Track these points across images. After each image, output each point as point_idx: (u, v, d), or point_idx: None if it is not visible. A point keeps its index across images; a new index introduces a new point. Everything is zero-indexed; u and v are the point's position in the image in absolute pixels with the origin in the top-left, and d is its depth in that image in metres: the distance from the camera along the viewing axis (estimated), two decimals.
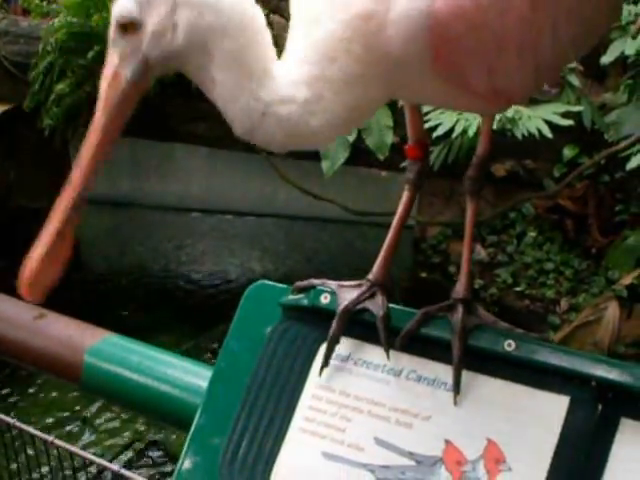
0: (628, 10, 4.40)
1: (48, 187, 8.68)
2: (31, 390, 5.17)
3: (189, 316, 6.27)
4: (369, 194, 7.09)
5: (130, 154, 8.54)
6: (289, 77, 1.16)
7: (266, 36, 1.16)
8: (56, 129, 7.04)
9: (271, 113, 1.15)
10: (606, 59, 4.51)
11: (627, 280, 5.44)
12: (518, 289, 5.89)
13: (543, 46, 1.36)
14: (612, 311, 5.27)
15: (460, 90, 1.32)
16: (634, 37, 3.67)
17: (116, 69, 1.17)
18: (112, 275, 7.21)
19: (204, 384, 1.21)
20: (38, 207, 8.07)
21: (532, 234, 6.04)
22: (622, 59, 4.76)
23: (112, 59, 1.17)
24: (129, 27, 1.13)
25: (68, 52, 6.93)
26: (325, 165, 4.69)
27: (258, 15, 1.16)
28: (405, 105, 1.53)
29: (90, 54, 6.66)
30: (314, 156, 4.86)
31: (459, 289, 1.20)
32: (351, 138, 4.68)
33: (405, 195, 1.45)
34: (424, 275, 6.36)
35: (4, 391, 5.17)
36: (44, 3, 7.93)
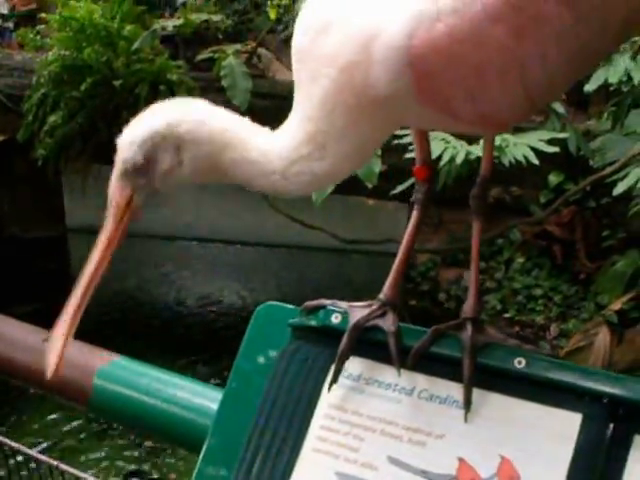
0: None
1: (41, 217, 8.66)
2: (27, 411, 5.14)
3: (181, 344, 6.24)
4: (357, 222, 7.11)
5: None
6: (292, 141, 1.23)
7: (247, 127, 1.25)
8: (49, 159, 7.04)
9: (289, 176, 1.23)
10: (589, 87, 4.56)
11: (617, 305, 5.44)
12: (508, 315, 5.90)
13: (533, 73, 1.36)
14: (603, 337, 5.27)
15: (449, 118, 1.33)
16: (633, 57, 3.69)
17: (129, 198, 1.26)
18: (103, 304, 7.16)
19: (213, 406, 1.19)
20: (31, 237, 8.08)
21: (520, 260, 6.06)
22: (604, 87, 4.81)
23: (124, 190, 1.25)
24: (138, 169, 1.22)
25: (61, 84, 6.97)
26: (314, 194, 4.68)
27: (230, 122, 1.27)
28: (411, 129, 1.55)
29: (83, 86, 6.70)
30: None
31: (467, 308, 1.20)
32: None
33: (414, 215, 1.45)
34: (414, 303, 6.36)
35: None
36: (38, 37, 7.95)
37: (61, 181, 8.10)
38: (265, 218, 7.43)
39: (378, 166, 4.78)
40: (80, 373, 1.32)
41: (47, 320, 1.19)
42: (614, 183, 4.49)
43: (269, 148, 1.25)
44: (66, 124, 6.88)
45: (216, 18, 6.19)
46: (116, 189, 1.25)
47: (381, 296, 1.23)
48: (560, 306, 5.89)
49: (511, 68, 1.38)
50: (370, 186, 4.94)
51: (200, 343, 6.16)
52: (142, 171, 1.23)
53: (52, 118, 6.96)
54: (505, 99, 1.41)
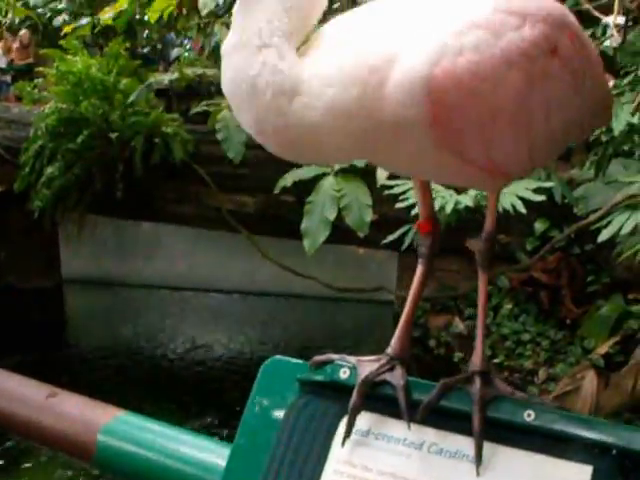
0: None
1: (37, 267, 8.61)
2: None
3: (179, 395, 6.16)
4: (348, 270, 7.10)
5: (116, 235, 8.55)
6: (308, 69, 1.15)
7: None
8: (46, 211, 7.03)
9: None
10: None
11: (603, 349, 5.44)
12: (497, 360, 5.88)
13: (536, 126, 1.39)
14: (590, 381, 5.25)
15: (457, 160, 1.32)
16: (633, 113, 3.72)
17: None
18: (99, 355, 7.09)
19: (220, 462, 1.16)
20: (27, 287, 8.04)
21: (508, 306, 6.06)
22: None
23: None
24: None
25: (58, 137, 6.99)
26: (307, 243, 4.70)
27: None
28: (414, 184, 1.54)
29: (79, 138, 6.72)
30: (295, 234, 4.88)
31: (475, 361, 1.18)
32: (332, 217, 4.70)
33: (419, 270, 1.43)
34: None
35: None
36: (35, 90, 7.99)
37: (57, 231, 8.08)
38: (257, 267, 7.45)
39: (369, 216, 4.81)
40: (84, 429, 1.28)
41: (42, 371, 1.16)
42: (598, 230, 4.51)
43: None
44: (63, 176, 6.88)
45: (210, 72, 6.24)
46: None
47: (389, 350, 1.21)
48: (548, 351, 5.88)
49: (521, 117, 1.39)
50: (362, 235, 4.97)
51: (193, 393, 6.09)
52: None
53: (49, 170, 6.96)
54: (514, 148, 1.41)
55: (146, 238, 8.66)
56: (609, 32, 4.44)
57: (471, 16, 1.32)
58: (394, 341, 1.24)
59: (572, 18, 1.49)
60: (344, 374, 1.13)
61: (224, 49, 1.22)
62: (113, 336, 7.70)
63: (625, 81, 4.59)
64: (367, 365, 1.18)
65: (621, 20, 4.40)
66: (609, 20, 4.39)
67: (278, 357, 1.21)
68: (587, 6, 4.13)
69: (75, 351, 7.31)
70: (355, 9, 1.47)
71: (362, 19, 1.39)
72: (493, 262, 1.38)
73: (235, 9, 1.22)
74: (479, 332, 1.26)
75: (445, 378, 1.11)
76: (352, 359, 1.18)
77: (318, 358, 1.20)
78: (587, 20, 5.06)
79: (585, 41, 1.59)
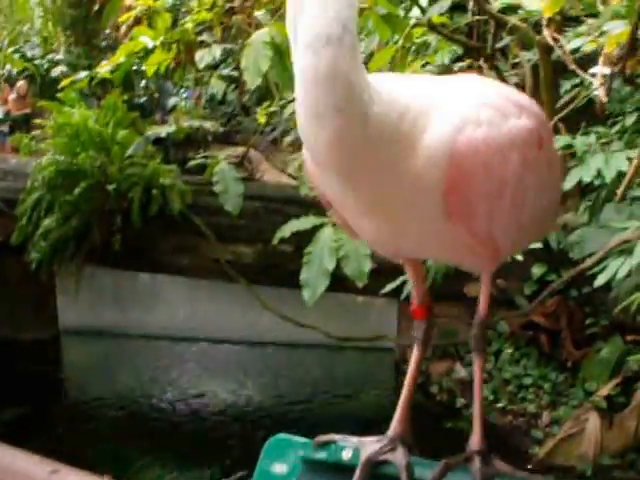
0: (582, 141, 4.62)
1: (34, 319, 8.60)
2: None
3: (179, 448, 6.16)
4: (347, 318, 7.14)
5: (114, 285, 8.58)
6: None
7: None
8: (43, 262, 7.07)
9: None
10: (566, 185, 4.70)
11: (604, 391, 5.51)
12: (500, 405, 5.93)
13: (527, 205, 1.51)
14: (593, 423, 5.31)
15: (461, 230, 1.42)
16: (619, 201, 3.81)
17: None
18: (98, 407, 7.08)
19: None
20: (23, 339, 8.05)
21: (509, 351, 6.13)
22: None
23: None
24: None
25: (55, 188, 7.06)
26: (306, 294, 4.77)
27: None
28: (409, 272, 1.62)
29: (77, 190, 6.79)
30: (294, 283, 4.94)
31: (474, 440, 1.25)
32: (330, 267, 4.77)
33: (414, 354, 1.51)
34: None
35: None
36: (32, 142, 8.09)
37: (54, 283, 8.11)
38: (257, 317, 7.47)
39: (368, 266, 4.88)
40: None
41: (40, 424, 1.21)
42: (594, 273, 4.60)
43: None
44: (60, 227, 6.94)
45: (207, 125, 6.37)
46: None
47: (390, 432, 1.29)
48: (550, 394, 5.94)
49: (518, 195, 1.51)
50: (360, 285, 5.03)
51: (194, 444, 6.10)
52: None
53: (46, 222, 7.01)
54: (509, 224, 1.52)
55: (144, 289, 8.69)
56: (595, 82, 4.56)
57: (481, 96, 1.47)
58: (395, 423, 1.31)
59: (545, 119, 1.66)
60: (347, 455, 1.20)
61: (308, 39, 1.27)
62: (112, 387, 7.69)
63: (613, 130, 4.72)
64: (369, 445, 1.26)
65: (607, 70, 4.51)
66: (596, 70, 4.51)
67: (282, 435, 1.28)
68: (566, 58, 4.24)
69: (73, 403, 7.29)
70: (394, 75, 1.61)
71: (403, 84, 1.52)
72: (486, 346, 1.46)
73: None
74: (476, 412, 1.33)
75: (447, 458, 1.18)
76: (354, 439, 1.25)
77: (321, 439, 1.27)
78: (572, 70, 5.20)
79: (553, 141, 1.76)
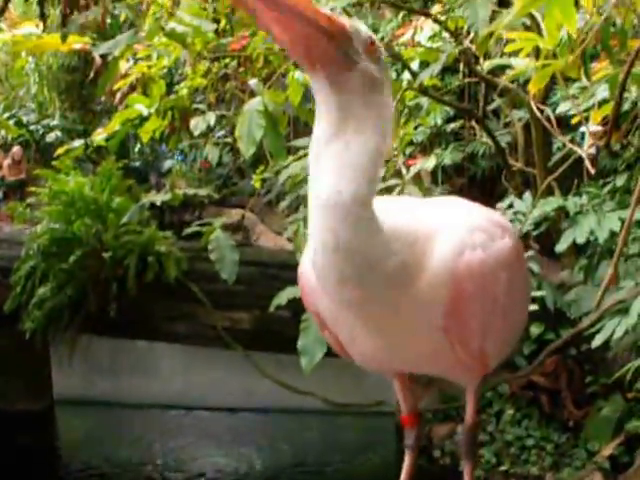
0: (574, 202, 4.75)
1: (28, 389, 8.58)
2: None
3: None
4: (347, 383, 7.15)
5: (109, 354, 8.59)
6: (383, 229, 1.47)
7: None
8: (37, 332, 7.07)
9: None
10: (560, 247, 4.83)
11: (607, 451, 5.53)
12: (503, 468, 5.93)
13: (513, 319, 1.65)
14: None
15: (456, 343, 1.54)
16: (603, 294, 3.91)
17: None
18: (94, 479, 7.04)
19: None
20: (17, 409, 8.04)
21: (510, 412, 6.16)
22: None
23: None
24: None
25: (50, 257, 7.09)
26: (304, 361, 4.82)
27: None
28: (396, 384, 1.74)
29: (71, 258, 6.83)
30: (291, 350, 4.99)
31: None
32: None
33: (406, 460, 1.61)
34: None
35: None
36: (27, 210, 8.18)
37: (49, 352, 8.10)
38: (254, 383, 7.46)
39: None
40: None
41: None
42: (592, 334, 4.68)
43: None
44: (55, 296, 6.94)
45: (202, 192, 6.50)
46: None
47: None
48: (553, 455, 5.95)
49: (506, 310, 1.65)
50: None
51: None
52: None
53: (41, 290, 7.02)
54: (499, 339, 1.65)
55: (141, 357, 8.68)
56: (586, 140, 4.71)
57: (472, 220, 1.62)
58: None
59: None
60: None
61: (318, 200, 1.39)
62: (108, 458, 7.64)
63: (605, 190, 4.85)
64: None
65: (599, 128, 4.67)
66: (585, 129, 4.65)
67: None
68: (552, 129, 4.39)
69: (68, 474, 7.26)
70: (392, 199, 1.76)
71: (403, 210, 1.66)
72: (476, 453, 1.56)
73: (314, 156, 1.41)
74: None
75: None
76: None
77: None
78: (565, 126, 5.35)
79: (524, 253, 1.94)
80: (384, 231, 1.48)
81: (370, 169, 1.44)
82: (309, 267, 1.68)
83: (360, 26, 1.46)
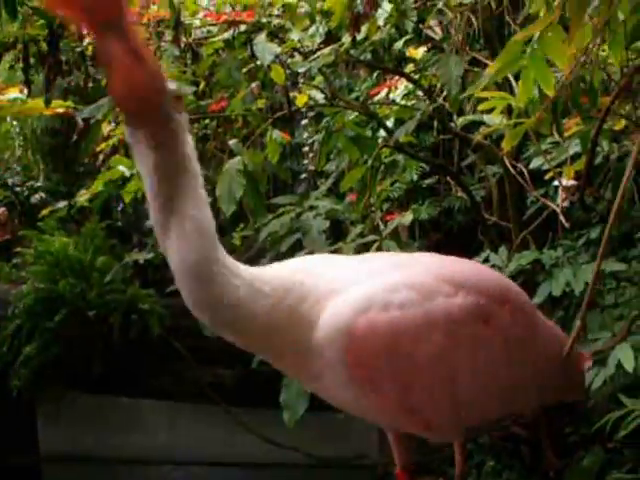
0: (549, 255, 4.70)
1: (14, 446, 8.40)
2: None
3: None
4: (330, 436, 7.03)
5: (95, 410, 8.44)
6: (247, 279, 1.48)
7: None
8: (23, 389, 6.98)
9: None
10: (537, 299, 4.74)
11: None
12: None
13: (461, 384, 1.52)
14: None
15: (374, 400, 1.44)
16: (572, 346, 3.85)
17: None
18: None
19: None
20: (3, 466, 7.84)
21: (491, 463, 6.02)
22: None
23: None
24: None
25: (36, 316, 7.04)
26: (286, 416, 4.74)
27: None
28: (390, 437, 1.63)
29: (57, 317, 6.78)
30: (274, 404, 4.91)
31: None
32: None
33: None
34: None
35: None
36: (13, 270, 8.10)
37: (35, 409, 7.98)
38: (238, 438, 7.32)
39: None
40: None
41: None
42: None
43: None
44: (41, 354, 6.89)
45: None
46: None
47: None
48: None
49: (444, 373, 1.53)
50: None
51: None
52: None
53: (27, 349, 6.97)
54: (437, 399, 1.53)
55: (126, 413, 8.55)
56: (560, 194, 4.68)
57: (408, 277, 1.51)
58: None
59: (516, 294, 1.68)
60: None
61: (172, 265, 1.41)
62: None
63: (580, 242, 4.81)
64: None
65: (572, 182, 4.63)
66: (558, 183, 4.62)
67: None
68: (526, 185, 4.36)
69: None
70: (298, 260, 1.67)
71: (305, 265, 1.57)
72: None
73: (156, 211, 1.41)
74: None
75: None
76: None
77: None
78: (539, 179, 5.32)
79: (533, 318, 1.76)
80: (247, 278, 1.50)
81: (204, 230, 1.51)
82: None
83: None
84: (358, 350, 1.41)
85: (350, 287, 1.49)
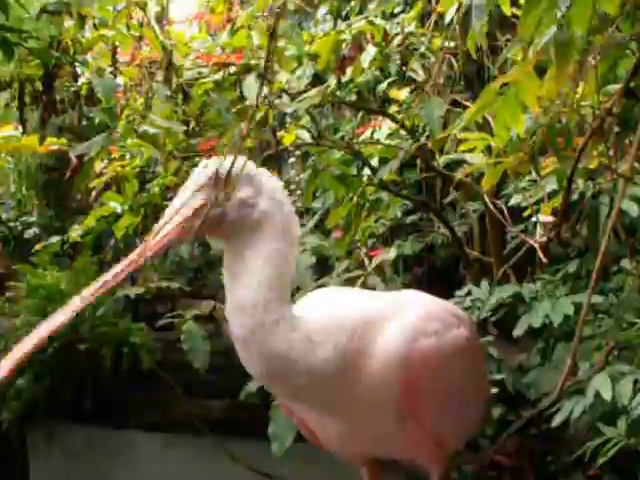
0: (529, 288, 4.76)
1: (9, 478, 8.25)
2: None
3: None
4: (319, 466, 6.99)
5: (86, 442, 8.33)
6: (302, 325, 1.59)
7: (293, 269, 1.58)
8: (13, 422, 6.93)
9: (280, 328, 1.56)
10: (517, 331, 4.82)
11: None
12: None
13: (468, 404, 1.65)
14: None
15: (412, 425, 1.51)
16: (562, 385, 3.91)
17: (202, 207, 1.66)
18: None
19: None
20: None
21: None
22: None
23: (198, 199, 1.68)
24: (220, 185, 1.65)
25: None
26: (274, 447, 4.76)
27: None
28: (364, 471, 1.68)
29: (49, 350, 6.69)
30: (262, 436, 4.92)
31: None
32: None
33: None
34: None
35: None
36: (6, 304, 8.06)
37: (25, 442, 7.90)
38: (227, 469, 7.27)
39: None
40: None
41: None
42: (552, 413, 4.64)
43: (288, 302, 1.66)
44: (32, 387, 6.85)
45: (175, 285, 6.54)
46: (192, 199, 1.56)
47: None
48: None
49: (461, 395, 1.64)
50: None
51: None
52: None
53: (18, 382, 6.90)
54: (455, 421, 1.63)
55: (116, 445, 8.45)
56: (538, 229, 4.74)
57: (427, 309, 1.64)
58: None
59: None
60: None
61: (227, 311, 1.49)
62: None
63: (558, 276, 4.87)
64: None
65: (550, 219, 4.69)
66: (537, 218, 4.68)
67: None
68: (506, 223, 4.42)
69: None
70: (332, 289, 1.78)
71: (345, 298, 1.67)
72: None
73: (226, 270, 1.52)
74: None
75: None
76: None
77: None
78: (519, 215, 5.39)
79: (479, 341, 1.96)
80: (302, 325, 1.59)
81: (268, 282, 1.62)
82: None
83: (204, 173, 1.63)
84: (411, 372, 1.53)
85: (388, 319, 1.63)
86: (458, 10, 3.41)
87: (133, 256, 1.58)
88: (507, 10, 2.78)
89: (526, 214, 4.56)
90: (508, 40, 5.49)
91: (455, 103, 5.59)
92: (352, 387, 1.49)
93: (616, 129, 2.93)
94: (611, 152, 3.09)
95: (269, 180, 1.65)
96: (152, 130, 5.06)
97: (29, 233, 11.18)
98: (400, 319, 1.60)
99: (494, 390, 4.61)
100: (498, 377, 4.81)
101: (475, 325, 3.93)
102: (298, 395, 1.48)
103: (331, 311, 1.60)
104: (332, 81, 5.53)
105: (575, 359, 1.93)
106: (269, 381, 1.50)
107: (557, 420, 4.60)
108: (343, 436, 1.64)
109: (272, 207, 1.67)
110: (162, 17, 6.58)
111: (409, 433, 1.57)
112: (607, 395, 3.98)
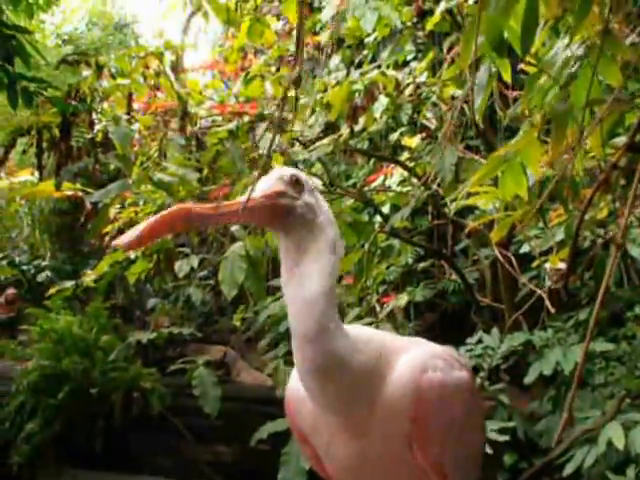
0: (540, 336, 4.78)
1: None
2: None
3: None
4: None
5: None
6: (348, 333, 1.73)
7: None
8: (24, 466, 6.93)
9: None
10: (528, 379, 4.82)
11: None
12: None
13: (470, 442, 1.75)
14: None
15: (419, 452, 1.62)
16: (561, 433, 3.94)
17: (280, 192, 1.83)
18: None
19: None
20: None
21: None
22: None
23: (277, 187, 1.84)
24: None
25: (39, 393, 7.05)
26: None
27: None
28: None
29: (60, 395, 6.78)
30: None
31: None
32: (307, 466, 4.77)
33: None
34: None
35: None
36: (18, 347, 8.13)
37: None
38: None
39: None
40: None
41: None
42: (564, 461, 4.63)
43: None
44: (43, 431, 6.86)
45: (186, 331, 6.58)
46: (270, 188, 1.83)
47: None
48: None
49: (461, 431, 1.75)
50: None
51: None
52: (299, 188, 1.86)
53: (29, 426, 6.94)
54: (456, 454, 1.72)
55: None
56: (547, 278, 4.79)
57: (433, 349, 1.80)
58: None
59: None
60: None
61: (291, 306, 1.64)
62: None
63: (569, 324, 4.90)
64: None
65: (562, 265, 4.74)
66: (547, 266, 4.73)
67: None
68: (515, 273, 4.46)
69: None
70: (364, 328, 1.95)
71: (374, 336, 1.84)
72: None
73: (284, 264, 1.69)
74: None
75: None
76: None
77: None
78: (530, 262, 5.43)
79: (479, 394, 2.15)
80: (349, 334, 1.73)
81: (326, 278, 1.74)
82: (295, 387, 1.91)
83: (282, 171, 1.87)
84: (422, 398, 1.69)
85: (407, 350, 1.81)
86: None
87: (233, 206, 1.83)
88: (507, 78, 2.90)
89: (534, 265, 4.61)
90: (522, 87, 5.58)
91: (468, 148, 5.66)
92: (374, 393, 1.69)
93: (622, 182, 3.00)
94: (617, 204, 3.15)
95: (324, 201, 1.85)
96: (166, 177, 5.14)
97: (42, 277, 11.31)
98: (412, 352, 1.80)
99: (505, 438, 4.60)
100: (510, 424, 4.80)
101: (486, 373, 3.99)
102: (338, 394, 1.64)
103: (361, 330, 1.78)
104: (345, 129, 5.62)
105: (572, 409, 1.95)
106: (320, 377, 1.67)
107: (568, 469, 4.58)
108: (353, 458, 1.76)
109: (326, 223, 1.84)
110: (177, 65, 6.72)
111: (414, 462, 1.70)
112: (620, 444, 3.98)
